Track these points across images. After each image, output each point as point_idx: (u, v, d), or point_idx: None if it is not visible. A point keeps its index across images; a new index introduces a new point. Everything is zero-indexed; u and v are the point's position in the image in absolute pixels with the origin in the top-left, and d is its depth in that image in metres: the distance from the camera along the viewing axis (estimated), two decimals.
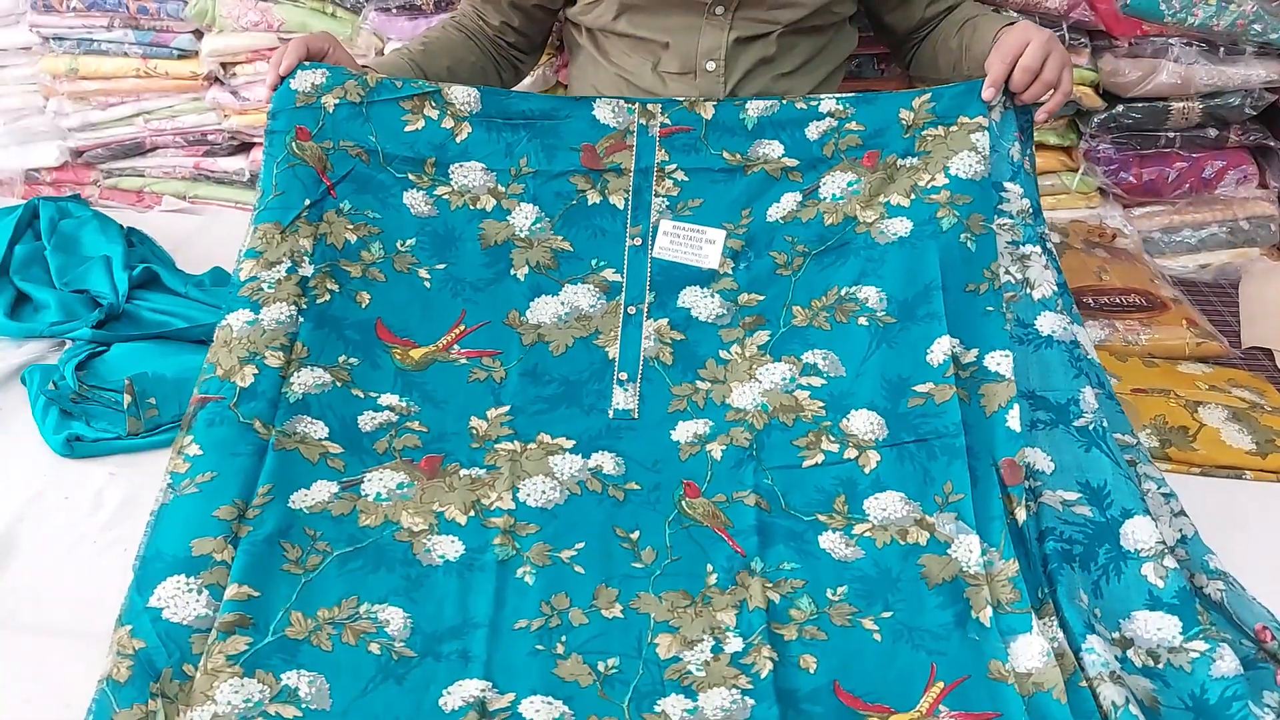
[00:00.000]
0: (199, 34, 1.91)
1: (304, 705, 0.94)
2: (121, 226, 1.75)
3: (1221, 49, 1.78)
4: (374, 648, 0.99)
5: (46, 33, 1.93)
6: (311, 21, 1.85)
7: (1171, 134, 1.85)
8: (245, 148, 2.03)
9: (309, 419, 1.16)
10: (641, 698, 0.97)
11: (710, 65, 1.41)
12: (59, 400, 1.34)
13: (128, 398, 1.31)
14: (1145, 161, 1.87)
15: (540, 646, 1.01)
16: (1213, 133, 1.85)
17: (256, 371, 1.16)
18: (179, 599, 0.98)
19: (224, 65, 1.93)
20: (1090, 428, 1.18)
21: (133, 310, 1.53)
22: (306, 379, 1.18)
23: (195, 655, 0.95)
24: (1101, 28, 1.78)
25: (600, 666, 0.99)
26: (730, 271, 1.29)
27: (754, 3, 1.39)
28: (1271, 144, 1.88)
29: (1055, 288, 1.27)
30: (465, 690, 0.97)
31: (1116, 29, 1.76)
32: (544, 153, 1.32)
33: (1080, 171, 1.88)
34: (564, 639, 1.02)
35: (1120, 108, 1.82)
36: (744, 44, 1.41)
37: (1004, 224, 1.27)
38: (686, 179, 1.32)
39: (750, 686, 0.98)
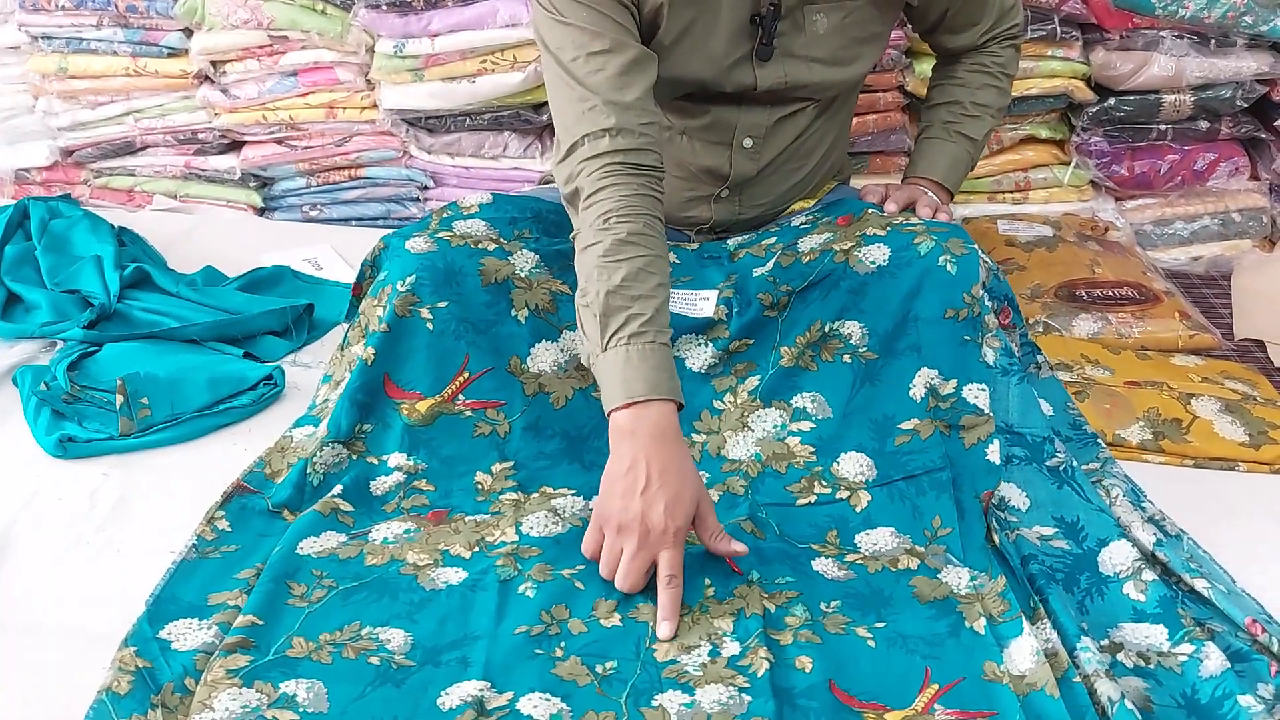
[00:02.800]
0: (188, 32, 1.91)
1: (301, 710, 0.94)
2: (112, 226, 1.74)
3: (1213, 41, 1.79)
4: (374, 660, 1.00)
5: (35, 31, 1.93)
6: (302, 19, 1.85)
7: (1163, 126, 1.86)
8: (236, 146, 2.03)
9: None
10: (639, 694, 0.97)
11: (748, 143, 1.35)
12: (51, 401, 1.33)
13: (120, 398, 1.31)
14: (1137, 154, 1.88)
15: (539, 651, 1.01)
16: (1204, 125, 1.85)
17: (291, 463, 1.23)
18: (190, 634, 1.00)
19: (214, 63, 1.92)
20: (1061, 468, 1.22)
21: (124, 310, 1.53)
22: (326, 458, 1.22)
23: (197, 671, 0.96)
24: (1093, 21, 1.79)
25: (599, 668, 1.00)
26: (724, 319, 1.30)
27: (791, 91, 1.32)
28: (1263, 136, 1.89)
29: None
30: (463, 690, 0.97)
31: (1108, 22, 1.78)
32: (545, 234, 1.33)
33: (1072, 165, 1.90)
34: (563, 645, 1.02)
35: (1112, 101, 1.83)
36: (782, 122, 1.34)
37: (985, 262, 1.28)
38: (678, 261, 1.32)
39: (747, 685, 0.98)
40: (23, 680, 0.99)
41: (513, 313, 1.28)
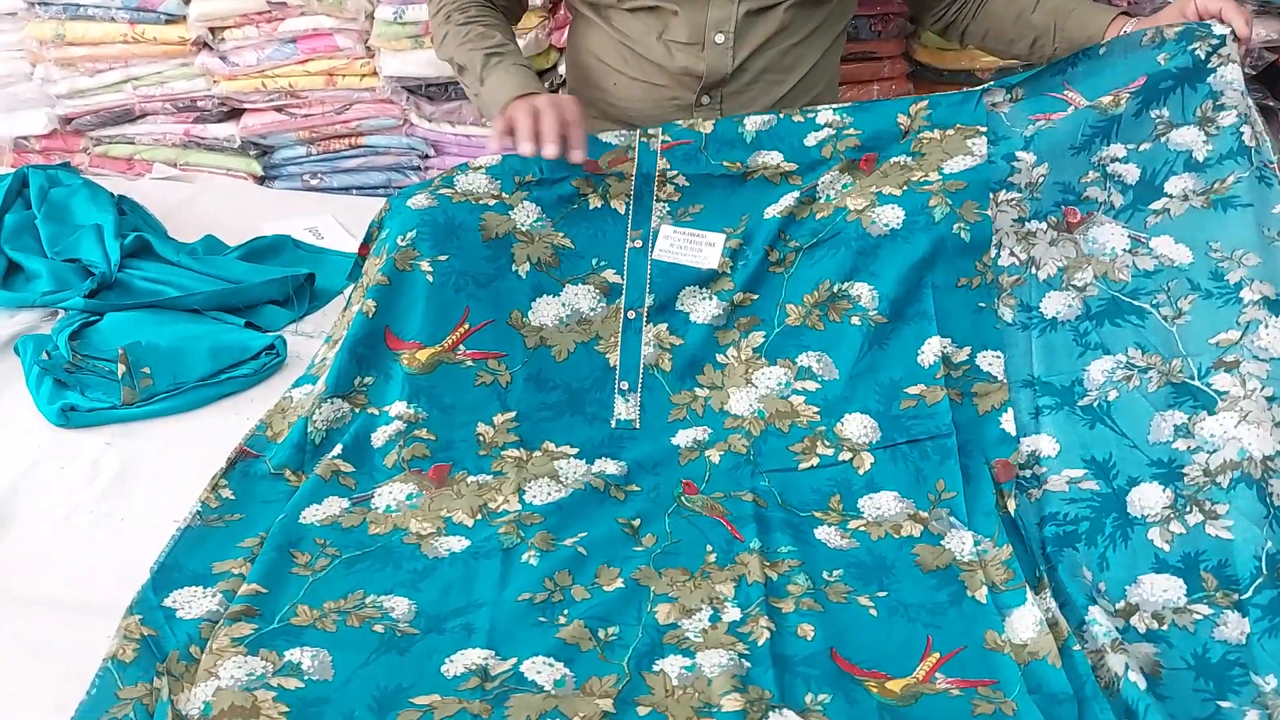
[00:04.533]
0: None
1: (306, 677, 0.95)
2: (112, 195, 1.74)
3: None
4: (378, 628, 1.01)
5: None
6: None
7: None
8: (235, 114, 2.02)
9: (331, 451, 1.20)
10: (640, 657, 0.98)
11: (719, 38, 1.41)
12: (53, 370, 1.33)
13: (122, 367, 1.31)
14: None
15: (543, 618, 1.02)
16: None
17: (290, 422, 1.22)
18: (194, 602, 1.01)
19: (212, 30, 1.91)
20: (1095, 404, 1.19)
21: (125, 279, 1.52)
22: (327, 414, 1.22)
23: (203, 640, 0.97)
24: None
25: (601, 633, 1.01)
26: (728, 271, 1.29)
27: None
28: (1271, 104, 1.87)
29: (1062, 264, 1.25)
30: (467, 658, 0.98)
31: None
32: (547, 167, 1.32)
33: None
34: (565, 611, 1.03)
35: None
36: (753, 17, 1.41)
37: (1011, 199, 1.27)
38: (687, 184, 1.33)
39: (747, 652, 0.99)
40: (25, 649, 0.99)
41: (514, 267, 1.28)
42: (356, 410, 1.23)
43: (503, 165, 1.31)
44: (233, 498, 1.14)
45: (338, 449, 1.19)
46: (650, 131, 1.35)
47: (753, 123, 1.35)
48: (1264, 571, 1.03)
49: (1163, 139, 1.27)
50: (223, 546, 1.08)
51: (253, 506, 1.14)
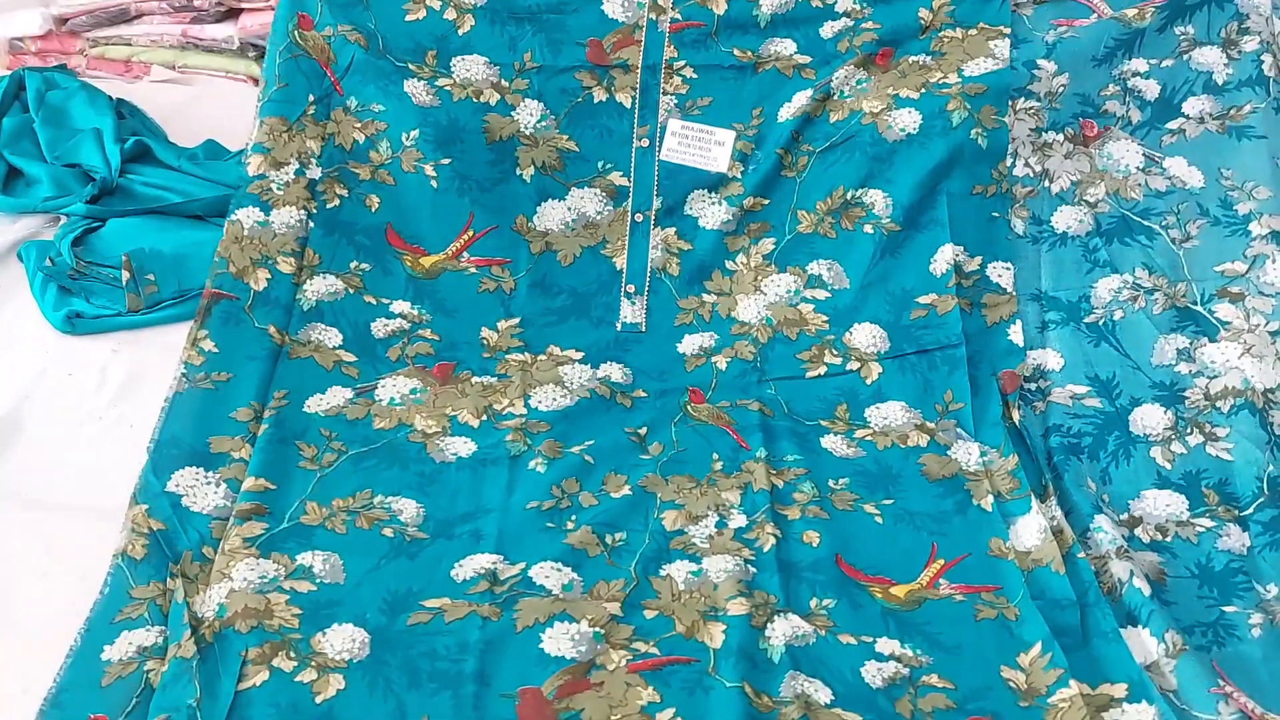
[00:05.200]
0: None
1: (318, 580, 0.96)
2: (110, 98, 1.70)
3: None
4: (387, 532, 1.01)
5: None
6: None
7: None
8: (233, 14, 1.97)
9: (322, 326, 1.18)
10: (647, 562, 1.01)
11: None
12: (57, 277, 1.32)
13: (126, 274, 1.29)
14: None
15: (550, 524, 1.03)
16: None
17: (270, 277, 1.18)
18: (198, 489, 1.00)
19: None
20: (1100, 323, 1.20)
21: (126, 185, 1.49)
22: (319, 286, 1.20)
23: (214, 540, 0.97)
24: None
25: (608, 539, 1.02)
26: (739, 175, 1.27)
27: None
28: None
29: (1075, 178, 1.25)
30: (476, 563, 0.99)
31: None
32: (549, 47, 1.29)
33: None
34: (574, 518, 1.04)
35: None
36: None
37: (1029, 107, 1.25)
38: (695, 76, 1.30)
39: (753, 557, 1.00)
40: (37, 553, 1.00)
41: (518, 171, 1.26)
42: (351, 292, 1.21)
43: (500, 38, 1.26)
44: (216, 350, 1.12)
45: (337, 337, 1.17)
46: (660, 3, 1.30)
47: (769, 4, 1.30)
48: (1265, 492, 1.05)
49: (1185, 57, 1.25)
50: (216, 417, 1.07)
51: (238, 363, 1.11)
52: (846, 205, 1.25)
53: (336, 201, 1.24)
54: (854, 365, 1.20)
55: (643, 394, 1.18)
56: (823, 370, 1.20)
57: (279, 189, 1.22)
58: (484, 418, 1.13)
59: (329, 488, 1.04)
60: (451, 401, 1.14)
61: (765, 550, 1.01)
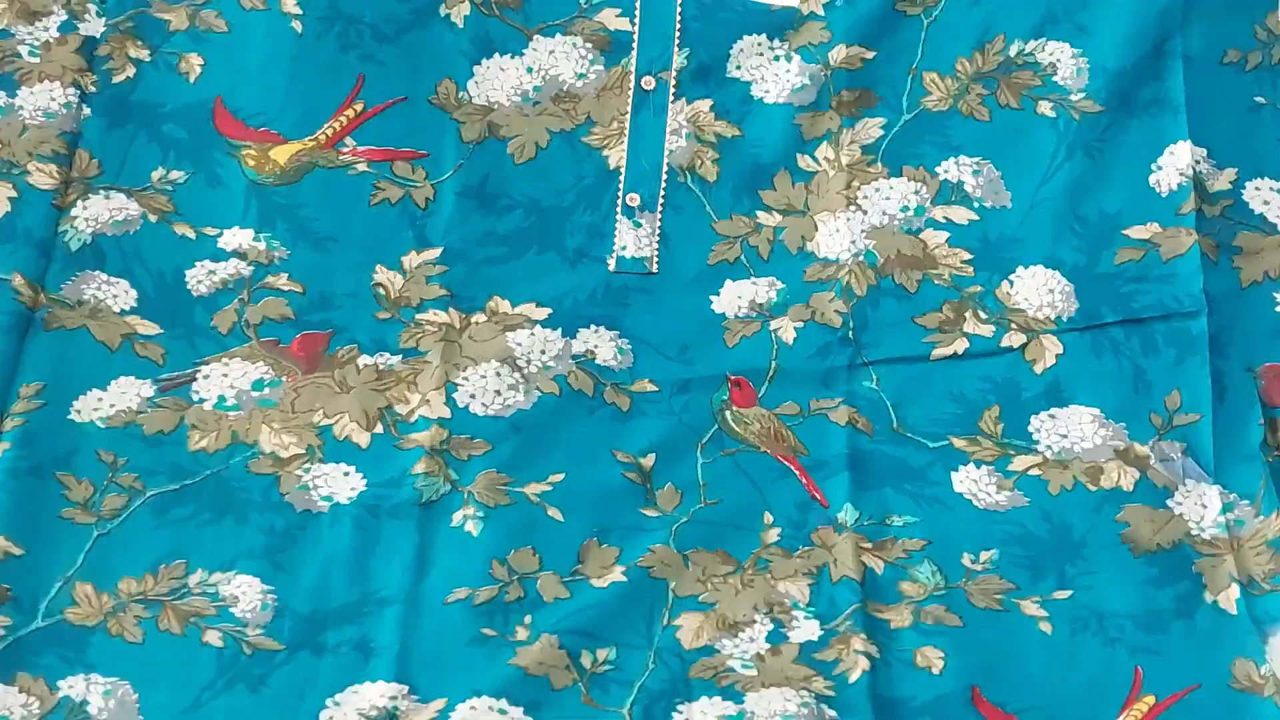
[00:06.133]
0: None
1: None
2: None
3: None
4: (212, 637, 0.80)
5: None
6: None
7: None
8: None
9: (104, 277, 0.90)
10: (653, 701, 0.79)
11: None
12: None
13: None
14: None
15: (489, 631, 0.81)
16: None
17: (15, 195, 0.91)
18: None
19: None
20: None
21: None
22: (99, 211, 0.91)
23: None
24: None
25: (585, 659, 0.79)
26: (820, 11, 0.99)
27: None
28: None
29: None
30: (364, 698, 0.77)
31: None
32: None
33: None
34: (528, 618, 0.81)
35: None
36: None
37: None
38: None
39: (831, 693, 0.78)
40: None
41: (442, 10, 0.98)
42: (153, 219, 0.93)
43: None
44: None
45: (129, 295, 0.91)
46: None
47: None
48: None
49: None
50: None
51: None
52: (1009, 66, 0.97)
53: (130, 71, 0.95)
54: (1016, 339, 0.91)
55: (650, 386, 0.90)
56: (962, 347, 0.91)
57: (32, 53, 0.95)
58: (378, 429, 0.87)
59: (114, 557, 0.81)
60: (324, 401, 0.88)
61: (852, 681, 0.79)
